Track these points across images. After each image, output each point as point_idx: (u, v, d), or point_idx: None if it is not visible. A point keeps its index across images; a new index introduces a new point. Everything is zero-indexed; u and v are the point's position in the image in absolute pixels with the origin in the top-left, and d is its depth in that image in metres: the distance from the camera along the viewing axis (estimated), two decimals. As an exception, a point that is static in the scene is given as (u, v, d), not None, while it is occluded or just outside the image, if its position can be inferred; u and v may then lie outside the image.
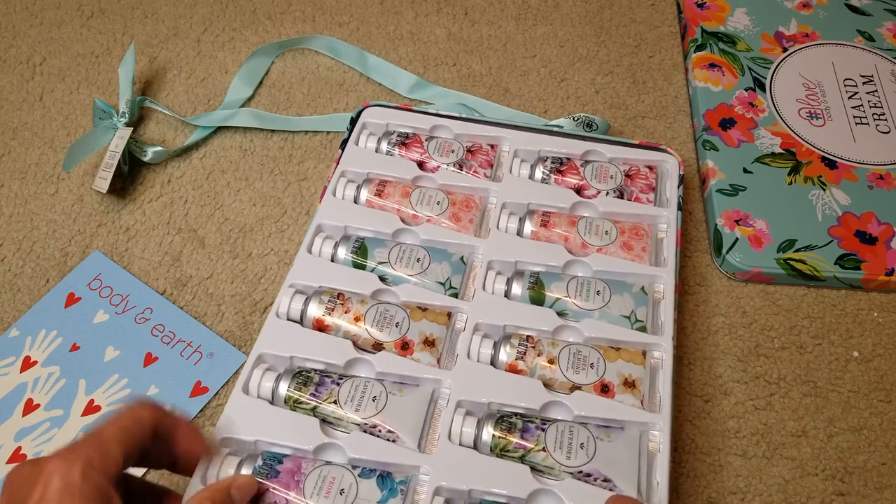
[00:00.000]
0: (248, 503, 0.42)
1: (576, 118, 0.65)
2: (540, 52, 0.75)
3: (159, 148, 0.65)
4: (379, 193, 0.58)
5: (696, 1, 0.77)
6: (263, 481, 0.44)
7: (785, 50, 0.73)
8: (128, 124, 0.65)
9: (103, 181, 0.61)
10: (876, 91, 0.71)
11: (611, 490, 0.44)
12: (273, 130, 0.68)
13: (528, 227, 0.57)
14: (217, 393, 0.54)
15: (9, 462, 0.51)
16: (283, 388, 0.48)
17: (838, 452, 0.54)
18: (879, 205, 0.63)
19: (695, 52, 0.73)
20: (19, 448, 0.52)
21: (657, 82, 0.73)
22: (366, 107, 0.63)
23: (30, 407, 0.53)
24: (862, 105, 0.70)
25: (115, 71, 0.72)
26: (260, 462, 0.44)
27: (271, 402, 0.48)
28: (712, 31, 0.75)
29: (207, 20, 0.76)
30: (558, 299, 0.53)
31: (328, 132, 0.68)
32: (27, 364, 0.55)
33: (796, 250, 0.60)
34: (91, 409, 0.53)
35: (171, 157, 0.66)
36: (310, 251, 0.55)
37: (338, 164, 0.60)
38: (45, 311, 0.57)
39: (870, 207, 0.63)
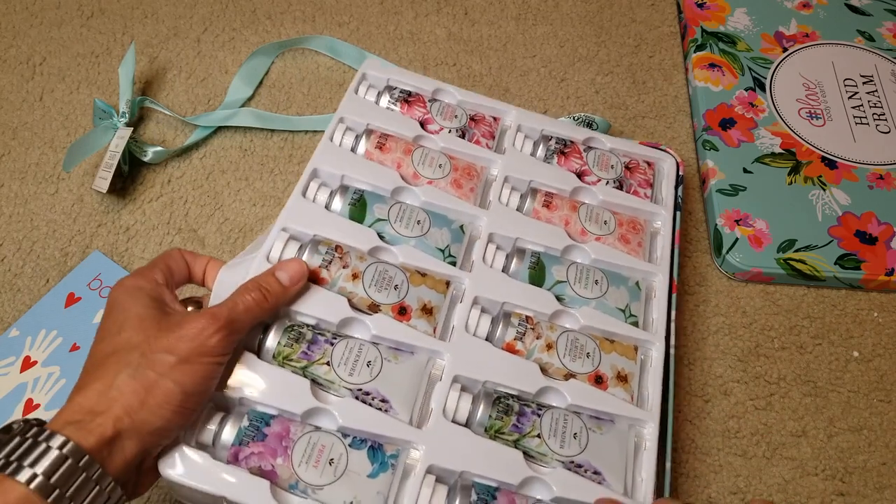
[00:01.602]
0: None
1: (576, 118, 0.65)
2: (540, 52, 0.75)
3: (159, 148, 0.65)
4: (380, 147, 0.56)
5: (696, 1, 0.77)
6: (249, 444, 0.42)
7: (785, 50, 0.73)
8: (128, 124, 0.65)
9: (103, 181, 0.61)
10: (876, 91, 0.71)
11: (599, 483, 0.44)
12: (273, 130, 0.68)
13: (530, 205, 0.56)
14: (217, 393, 0.54)
15: (9, 462, 0.51)
16: (273, 342, 0.45)
17: (838, 452, 0.54)
18: (879, 205, 0.63)
19: (695, 52, 0.73)
20: (19, 448, 0.52)
21: (657, 82, 0.73)
22: None
23: (30, 407, 0.53)
24: (862, 105, 0.70)
25: (115, 71, 0.72)
26: (246, 423, 0.42)
27: (258, 356, 0.45)
28: (712, 31, 0.75)
29: (207, 20, 0.76)
30: (558, 282, 0.52)
31: (328, 132, 0.68)
32: (27, 364, 0.55)
33: (796, 250, 0.60)
34: (91, 409, 0.53)
35: (171, 157, 0.66)
36: (304, 195, 0.52)
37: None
38: (45, 311, 0.57)
39: (870, 207, 0.63)
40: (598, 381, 0.48)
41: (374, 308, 0.48)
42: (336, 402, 0.45)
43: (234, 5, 0.77)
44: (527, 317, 0.50)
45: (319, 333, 0.46)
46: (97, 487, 0.35)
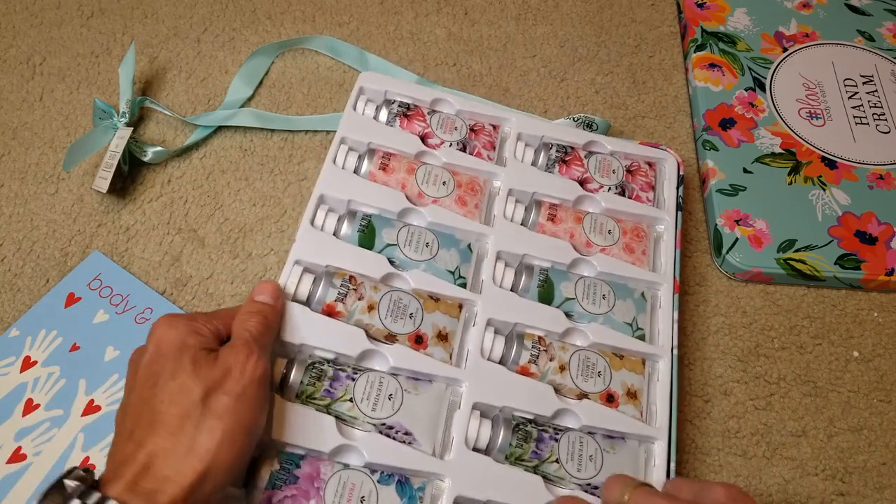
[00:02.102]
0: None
1: (576, 118, 0.65)
2: (540, 52, 0.75)
3: (159, 148, 0.65)
4: (383, 168, 0.56)
5: (696, 1, 0.77)
6: (283, 488, 0.42)
7: (785, 50, 0.73)
8: (128, 124, 0.65)
9: (103, 181, 0.61)
10: (876, 91, 0.71)
11: None
12: (273, 130, 0.68)
13: (535, 218, 0.56)
14: (217, 393, 0.54)
15: (8, 462, 0.51)
16: (296, 381, 0.45)
17: (838, 452, 0.54)
18: (879, 205, 0.63)
19: (695, 52, 0.73)
20: (19, 448, 0.52)
21: (657, 82, 0.73)
22: None
23: (30, 407, 0.53)
24: (862, 105, 0.70)
25: (115, 71, 0.72)
26: (277, 465, 0.43)
27: (282, 395, 0.45)
28: (712, 31, 0.75)
29: (207, 20, 0.76)
30: (567, 300, 0.53)
31: (328, 132, 0.68)
32: (27, 364, 0.55)
33: (796, 250, 0.60)
34: (91, 408, 0.53)
35: (171, 157, 0.66)
36: (312, 224, 0.52)
37: None
38: (45, 311, 0.57)
39: (870, 207, 0.63)
40: (610, 399, 0.49)
41: (390, 338, 0.49)
42: (361, 437, 0.45)
43: (234, 5, 0.77)
44: (539, 338, 0.51)
45: (340, 369, 0.47)
46: None
